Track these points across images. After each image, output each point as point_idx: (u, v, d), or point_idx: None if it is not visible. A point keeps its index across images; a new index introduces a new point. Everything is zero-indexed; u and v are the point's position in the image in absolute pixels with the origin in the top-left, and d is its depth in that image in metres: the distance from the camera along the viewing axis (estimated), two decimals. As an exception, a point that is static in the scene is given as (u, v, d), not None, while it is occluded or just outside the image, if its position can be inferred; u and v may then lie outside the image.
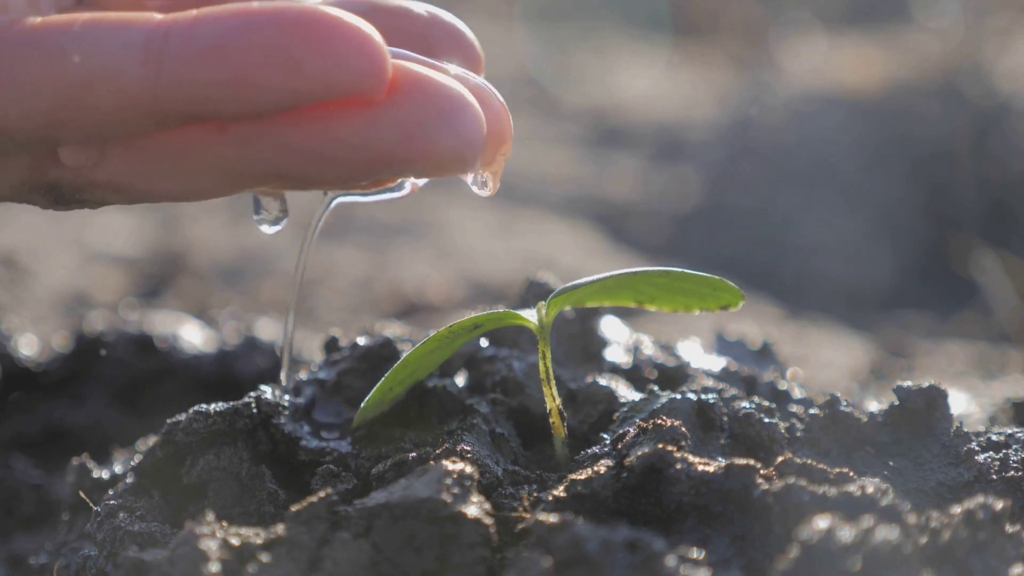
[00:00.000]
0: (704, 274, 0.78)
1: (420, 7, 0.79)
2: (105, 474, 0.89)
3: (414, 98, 0.66)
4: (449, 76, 0.69)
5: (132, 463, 0.82)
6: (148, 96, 0.65)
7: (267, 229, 0.77)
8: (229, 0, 0.72)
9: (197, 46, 0.65)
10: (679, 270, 0.78)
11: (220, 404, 0.81)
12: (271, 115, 0.67)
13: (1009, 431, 0.82)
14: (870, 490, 0.68)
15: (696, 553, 0.67)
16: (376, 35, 0.65)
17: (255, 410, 0.81)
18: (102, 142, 0.70)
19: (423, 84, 0.67)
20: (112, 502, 0.78)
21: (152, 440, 0.82)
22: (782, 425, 0.80)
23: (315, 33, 0.64)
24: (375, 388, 0.79)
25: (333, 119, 0.67)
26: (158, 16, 0.66)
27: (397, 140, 0.66)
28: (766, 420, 0.79)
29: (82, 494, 0.90)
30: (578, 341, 0.93)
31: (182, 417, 0.80)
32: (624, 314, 0.99)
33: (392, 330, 0.93)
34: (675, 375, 0.91)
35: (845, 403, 0.83)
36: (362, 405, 0.80)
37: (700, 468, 0.71)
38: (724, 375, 0.91)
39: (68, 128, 0.67)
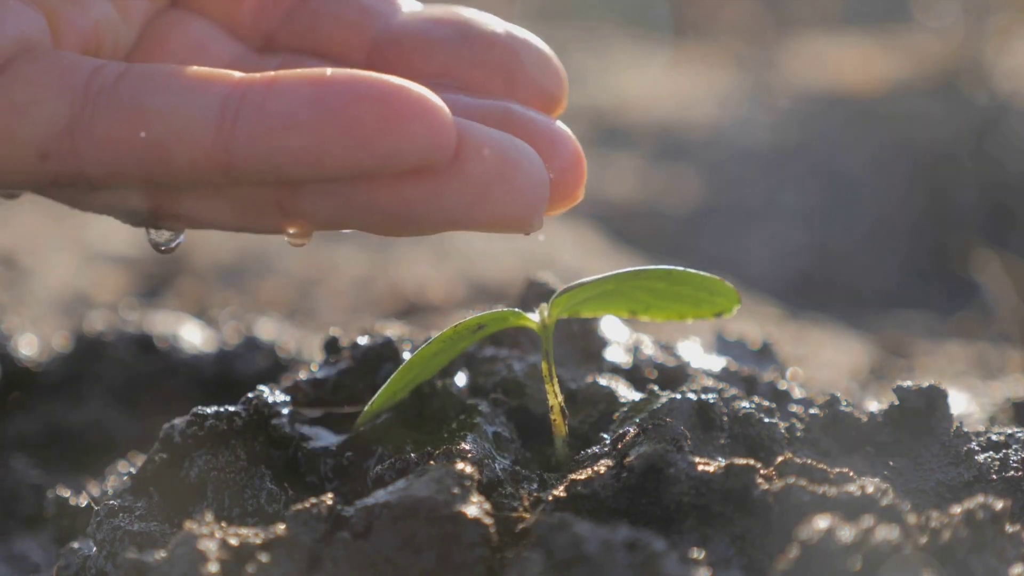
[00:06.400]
0: (704, 274, 0.78)
1: (506, 34, 0.79)
2: (83, 500, 0.89)
3: (479, 163, 0.68)
4: (517, 127, 0.73)
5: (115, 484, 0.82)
6: (220, 159, 0.67)
7: None
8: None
9: (269, 115, 0.66)
10: (680, 269, 0.78)
11: (219, 405, 0.81)
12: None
13: (1009, 431, 0.82)
14: (870, 490, 0.68)
15: (696, 553, 0.67)
16: (442, 106, 0.67)
17: (254, 411, 0.81)
18: (176, 189, 0.72)
19: (487, 148, 0.68)
20: (112, 502, 0.78)
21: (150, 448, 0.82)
22: (782, 425, 0.80)
23: (385, 107, 0.66)
24: (380, 391, 0.79)
25: (402, 182, 0.68)
26: (236, 75, 0.68)
27: (463, 205, 0.68)
28: (766, 420, 0.79)
29: (82, 499, 0.90)
30: (578, 341, 0.93)
31: (181, 419, 0.80)
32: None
33: (392, 330, 0.92)
34: (675, 375, 0.91)
35: (845, 403, 0.83)
36: (366, 408, 0.80)
37: (700, 468, 0.71)
38: (724, 375, 0.91)
39: (142, 179, 0.69)
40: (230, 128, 0.67)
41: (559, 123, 0.77)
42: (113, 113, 0.68)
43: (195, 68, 0.69)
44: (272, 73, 0.68)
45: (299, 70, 0.68)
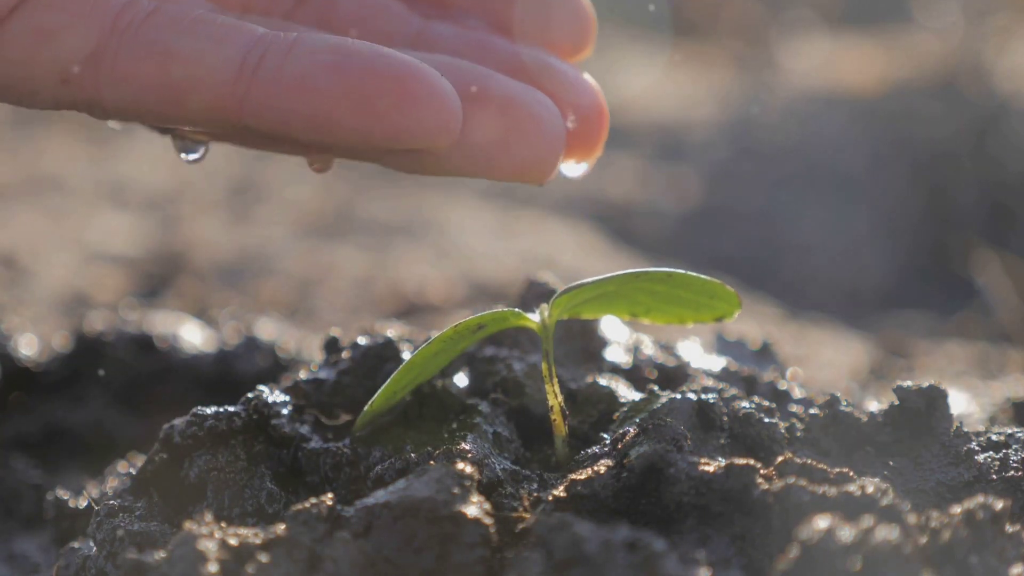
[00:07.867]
0: (705, 278, 0.78)
1: None
2: (82, 502, 0.89)
3: (499, 118, 0.71)
4: (547, 76, 0.77)
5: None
6: (234, 110, 0.69)
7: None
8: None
9: (286, 75, 0.68)
10: (681, 272, 0.78)
11: (219, 405, 0.81)
12: None
13: (1009, 431, 0.82)
14: (870, 490, 0.68)
15: (696, 553, 0.67)
16: (451, 92, 0.69)
17: (254, 411, 0.81)
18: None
19: (508, 103, 0.72)
20: (112, 502, 0.78)
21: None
22: (782, 425, 0.80)
23: (400, 87, 0.68)
24: (379, 391, 0.79)
25: None
26: (260, 30, 0.70)
27: (482, 156, 0.72)
28: (766, 420, 0.79)
29: (88, 499, 0.90)
30: (578, 341, 0.93)
31: (181, 419, 0.80)
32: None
33: (393, 330, 0.92)
34: (675, 375, 0.91)
35: (845, 403, 0.83)
36: (365, 408, 0.80)
37: (700, 468, 0.71)
38: (724, 375, 0.91)
39: (156, 117, 0.71)
40: (247, 82, 0.68)
41: (587, 76, 0.80)
42: (137, 51, 0.70)
43: (222, 17, 0.71)
44: (295, 34, 0.69)
45: (322, 34, 0.70)
